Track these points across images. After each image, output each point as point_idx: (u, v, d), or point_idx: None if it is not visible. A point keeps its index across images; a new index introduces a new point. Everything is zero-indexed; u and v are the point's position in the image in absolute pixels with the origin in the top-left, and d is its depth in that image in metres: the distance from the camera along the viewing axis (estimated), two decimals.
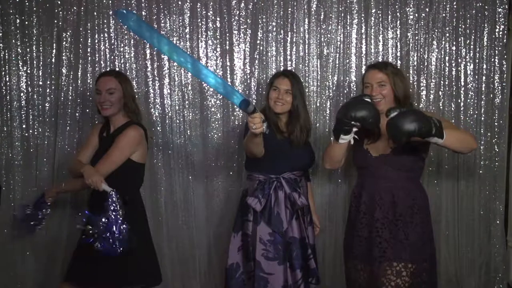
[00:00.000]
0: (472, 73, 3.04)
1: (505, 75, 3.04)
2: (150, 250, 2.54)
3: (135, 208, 2.42)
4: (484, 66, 3.04)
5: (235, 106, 3.04)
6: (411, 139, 2.03)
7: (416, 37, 3.03)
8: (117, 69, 2.98)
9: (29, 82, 3.01)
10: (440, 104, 3.04)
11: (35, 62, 3.00)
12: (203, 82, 3.04)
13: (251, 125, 1.94)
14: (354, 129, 2.17)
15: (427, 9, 3.02)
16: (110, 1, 2.98)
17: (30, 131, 3.01)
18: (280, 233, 2.45)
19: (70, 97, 3.00)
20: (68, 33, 2.98)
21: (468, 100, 3.05)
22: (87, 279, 2.36)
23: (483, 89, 3.05)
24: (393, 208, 2.25)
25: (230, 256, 2.53)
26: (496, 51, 3.02)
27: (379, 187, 2.29)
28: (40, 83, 3.01)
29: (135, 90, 2.99)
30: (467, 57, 3.04)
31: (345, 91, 3.05)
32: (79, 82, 3.00)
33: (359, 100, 2.17)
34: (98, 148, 2.51)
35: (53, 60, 3.00)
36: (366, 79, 2.34)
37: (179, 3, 3.01)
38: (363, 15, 3.02)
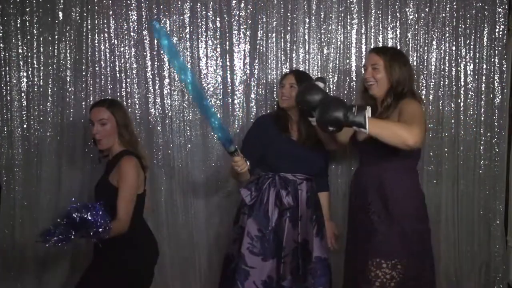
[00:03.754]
0: (472, 73, 3.04)
1: (505, 75, 3.04)
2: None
3: (139, 234, 2.32)
4: (484, 66, 3.04)
5: (235, 107, 3.06)
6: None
7: (416, 37, 3.03)
8: (117, 70, 3.00)
9: (29, 82, 3.01)
10: (440, 104, 3.04)
11: (35, 62, 3.00)
12: (203, 82, 3.05)
13: (235, 168, 2.17)
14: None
15: (427, 9, 3.02)
16: (110, 1, 2.99)
17: (31, 131, 3.02)
18: (265, 231, 2.44)
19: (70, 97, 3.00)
20: (68, 33, 2.99)
21: (468, 100, 3.05)
22: None
23: (483, 89, 3.04)
24: (380, 199, 2.23)
25: (228, 247, 2.60)
26: (496, 51, 3.02)
27: (364, 174, 2.31)
28: (40, 83, 3.01)
29: (135, 91, 3.02)
30: (467, 57, 3.04)
31: (345, 91, 3.05)
32: (79, 82, 3.00)
33: (310, 84, 2.19)
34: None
35: (54, 60, 3.01)
36: (365, 61, 2.38)
37: (179, 3, 3.01)
38: (363, 15, 3.02)
